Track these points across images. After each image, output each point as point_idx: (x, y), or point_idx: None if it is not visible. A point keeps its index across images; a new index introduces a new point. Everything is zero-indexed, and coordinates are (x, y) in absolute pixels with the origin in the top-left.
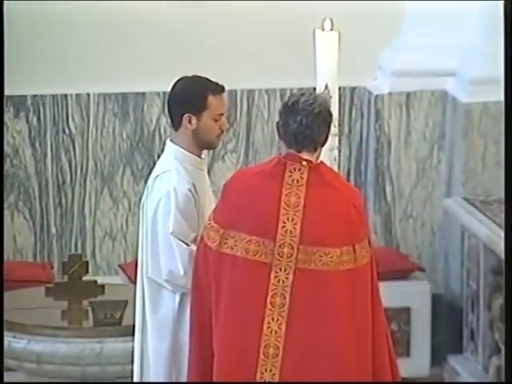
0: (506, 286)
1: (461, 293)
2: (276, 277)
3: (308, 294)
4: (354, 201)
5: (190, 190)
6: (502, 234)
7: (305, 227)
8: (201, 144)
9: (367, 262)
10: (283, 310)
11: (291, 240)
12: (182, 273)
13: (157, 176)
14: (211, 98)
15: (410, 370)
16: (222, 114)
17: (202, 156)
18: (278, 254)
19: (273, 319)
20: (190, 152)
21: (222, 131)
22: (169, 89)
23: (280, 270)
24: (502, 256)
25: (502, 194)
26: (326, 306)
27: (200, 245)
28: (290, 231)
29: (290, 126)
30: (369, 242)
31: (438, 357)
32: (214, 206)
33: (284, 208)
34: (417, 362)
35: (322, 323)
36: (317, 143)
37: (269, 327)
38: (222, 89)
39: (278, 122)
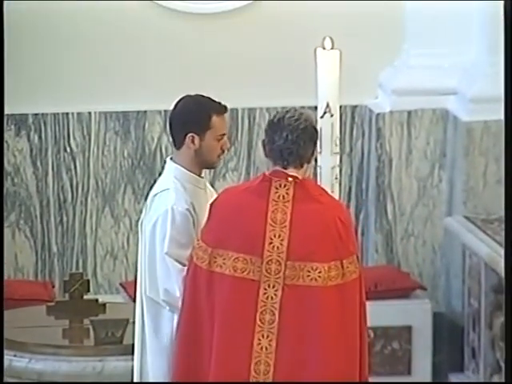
0: (506, 286)
1: (462, 311)
2: (265, 293)
3: (297, 310)
4: (340, 215)
5: (187, 209)
6: (503, 253)
7: (292, 243)
8: (202, 163)
9: (356, 278)
10: (273, 327)
11: (278, 256)
12: (177, 294)
13: (155, 194)
14: (215, 118)
15: None
16: (224, 134)
17: (202, 175)
18: (266, 271)
19: (263, 336)
20: (191, 171)
21: (223, 151)
22: (171, 107)
23: (268, 286)
24: (503, 274)
25: (503, 212)
26: (315, 321)
27: (190, 265)
28: (277, 247)
29: (275, 142)
30: (357, 257)
31: (439, 375)
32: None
33: (270, 224)
34: (418, 380)
35: (311, 339)
36: (303, 159)
37: (259, 344)
38: (225, 109)
39: (263, 140)
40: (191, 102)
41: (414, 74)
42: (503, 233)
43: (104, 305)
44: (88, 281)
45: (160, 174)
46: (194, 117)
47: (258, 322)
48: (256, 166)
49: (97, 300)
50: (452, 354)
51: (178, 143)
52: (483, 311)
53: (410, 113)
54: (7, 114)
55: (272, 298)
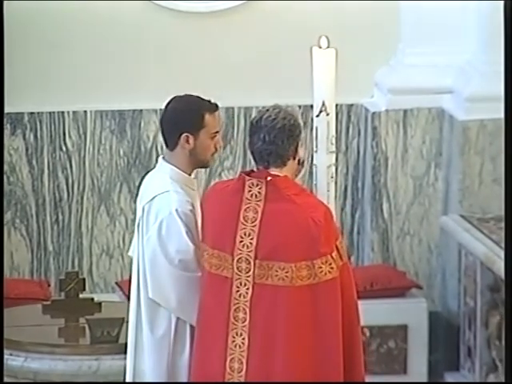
0: (506, 286)
1: (458, 310)
2: (237, 291)
3: (266, 309)
4: (314, 216)
5: (191, 210)
6: (499, 252)
7: (260, 242)
8: (196, 163)
9: (333, 278)
10: (245, 325)
11: (248, 255)
12: (193, 303)
13: (154, 197)
14: (208, 117)
15: None
16: (217, 132)
17: (192, 176)
18: (237, 269)
19: (237, 334)
20: (185, 172)
21: (217, 149)
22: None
23: (240, 284)
24: (499, 273)
25: (498, 211)
26: (284, 320)
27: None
28: (247, 246)
29: (255, 144)
30: (340, 257)
31: (435, 374)
32: None
33: (242, 223)
34: (414, 379)
35: (279, 338)
36: (284, 157)
37: (233, 341)
38: (216, 106)
39: (248, 143)
40: (182, 102)
41: (410, 72)
42: (499, 231)
43: (100, 304)
44: (84, 279)
45: None
46: (187, 116)
47: (232, 320)
48: (251, 164)
49: (92, 299)
50: (448, 353)
51: (171, 144)
52: (479, 310)
53: (405, 112)
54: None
55: (244, 296)
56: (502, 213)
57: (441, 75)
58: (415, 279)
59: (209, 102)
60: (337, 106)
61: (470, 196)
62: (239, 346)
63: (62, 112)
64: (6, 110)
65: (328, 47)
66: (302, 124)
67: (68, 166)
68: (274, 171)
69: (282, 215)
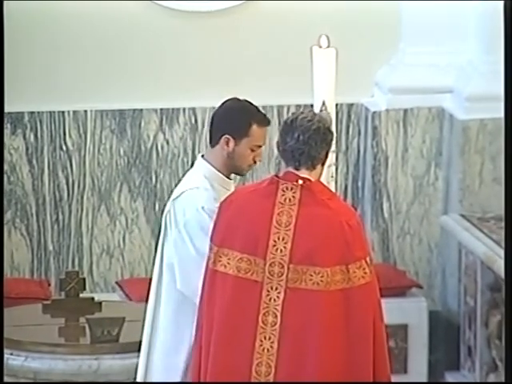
0: (506, 286)
1: (458, 309)
2: (267, 295)
3: (299, 313)
4: (348, 221)
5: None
6: (499, 251)
7: (295, 246)
8: (232, 167)
9: (366, 283)
10: (275, 329)
11: (281, 259)
12: None
13: (183, 192)
14: (255, 128)
15: None
16: (260, 146)
17: (231, 177)
18: (269, 273)
19: (265, 337)
20: (220, 171)
21: (255, 162)
22: (168, 106)
23: (271, 288)
24: (499, 273)
25: (498, 210)
26: (316, 325)
27: (206, 264)
28: (281, 250)
29: (287, 143)
30: (366, 262)
31: (435, 374)
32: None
33: (275, 227)
34: (414, 378)
35: (311, 342)
36: (315, 160)
37: (261, 345)
38: (268, 122)
39: (277, 142)
40: (237, 105)
41: (410, 72)
42: (499, 231)
43: (100, 303)
44: (84, 279)
45: (156, 173)
46: (235, 120)
47: (261, 324)
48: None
49: (93, 298)
50: (448, 353)
51: (213, 141)
52: (479, 309)
53: (406, 111)
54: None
55: (275, 300)
56: (502, 212)
57: (441, 75)
58: (415, 278)
59: (264, 115)
60: (337, 105)
61: (470, 195)
62: (267, 350)
63: (63, 111)
64: (7, 109)
65: (328, 47)
66: (334, 132)
67: (68, 165)
68: (303, 173)
69: (316, 219)
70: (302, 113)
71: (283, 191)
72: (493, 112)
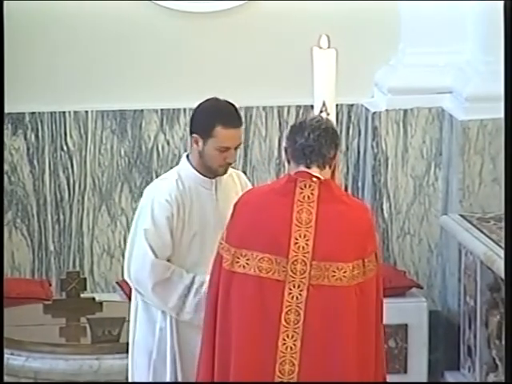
0: (507, 288)
1: (458, 309)
2: (290, 293)
3: (322, 310)
4: (364, 215)
5: (167, 200)
6: (499, 251)
7: (317, 243)
8: (206, 167)
9: (373, 275)
10: (298, 327)
11: (304, 256)
12: (149, 285)
13: (153, 182)
14: (219, 129)
15: None
16: (228, 148)
17: (212, 176)
18: (292, 271)
19: (288, 336)
20: (196, 169)
21: (228, 163)
22: (169, 106)
23: (294, 286)
24: (499, 273)
25: (498, 211)
26: (340, 321)
27: (215, 264)
28: (303, 247)
29: (297, 142)
30: (376, 255)
31: (435, 373)
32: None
33: (296, 225)
34: (414, 378)
35: (336, 339)
36: (325, 158)
37: (284, 344)
38: (236, 124)
39: (285, 147)
40: (206, 105)
41: (410, 72)
42: (499, 231)
43: (101, 303)
44: (85, 279)
45: (157, 173)
46: (200, 120)
47: (283, 322)
48: (252, 164)
49: (93, 298)
50: (448, 352)
51: (190, 140)
52: (479, 309)
53: (405, 111)
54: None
55: (297, 297)
56: (502, 212)
57: (441, 75)
58: (415, 279)
59: (231, 117)
60: (337, 106)
61: (470, 196)
62: (290, 348)
63: (63, 112)
64: (8, 110)
65: (328, 47)
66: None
67: (69, 165)
68: (315, 171)
69: (336, 216)
70: (309, 116)
71: (301, 189)
72: (493, 112)
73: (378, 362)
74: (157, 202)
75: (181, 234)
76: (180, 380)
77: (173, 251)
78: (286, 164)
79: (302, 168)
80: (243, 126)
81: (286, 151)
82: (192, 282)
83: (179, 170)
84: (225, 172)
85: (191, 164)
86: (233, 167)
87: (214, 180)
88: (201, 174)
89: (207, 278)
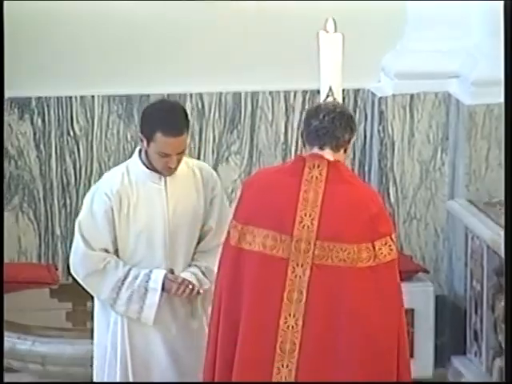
0: (507, 288)
1: (464, 294)
2: (293, 272)
3: (325, 290)
4: (373, 198)
5: (106, 194)
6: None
7: (322, 223)
8: (152, 165)
9: (392, 260)
10: (300, 306)
11: (308, 235)
12: (81, 273)
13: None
14: (159, 136)
15: (413, 371)
16: (168, 155)
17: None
18: (295, 249)
19: (290, 314)
20: (145, 164)
21: (170, 168)
22: (175, 91)
23: (297, 265)
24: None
25: None
26: (343, 301)
27: (225, 243)
28: (308, 226)
29: (312, 124)
30: (392, 239)
31: (441, 358)
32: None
33: (302, 204)
34: (420, 363)
35: (339, 319)
36: (339, 141)
37: (286, 322)
38: (176, 133)
39: (301, 131)
40: (151, 110)
41: (417, 57)
42: None
43: None
44: None
45: None
46: (144, 123)
47: (286, 301)
48: (259, 149)
49: None
50: (454, 337)
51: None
52: (485, 294)
53: (412, 96)
54: (11, 98)
55: (300, 276)
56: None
57: (447, 60)
58: (422, 263)
59: (171, 126)
60: (343, 90)
61: (477, 180)
62: (292, 327)
63: (70, 97)
64: (14, 94)
65: (335, 31)
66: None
67: (75, 150)
68: (328, 154)
69: (343, 197)
70: (324, 101)
71: (310, 169)
72: (499, 97)
73: (400, 349)
74: (97, 195)
75: (126, 228)
76: (130, 375)
77: (118, 245)
78: (303, 149)
79: (316, 150)
80: (188, 133)
81: (301, 135)
82: (126, 275)
83: (128, 163)
84: (170, 174)
85: (141, 159)
86: (238, 153)
87: (166, 177)
88: (149, 169)
89: (146, 271)
